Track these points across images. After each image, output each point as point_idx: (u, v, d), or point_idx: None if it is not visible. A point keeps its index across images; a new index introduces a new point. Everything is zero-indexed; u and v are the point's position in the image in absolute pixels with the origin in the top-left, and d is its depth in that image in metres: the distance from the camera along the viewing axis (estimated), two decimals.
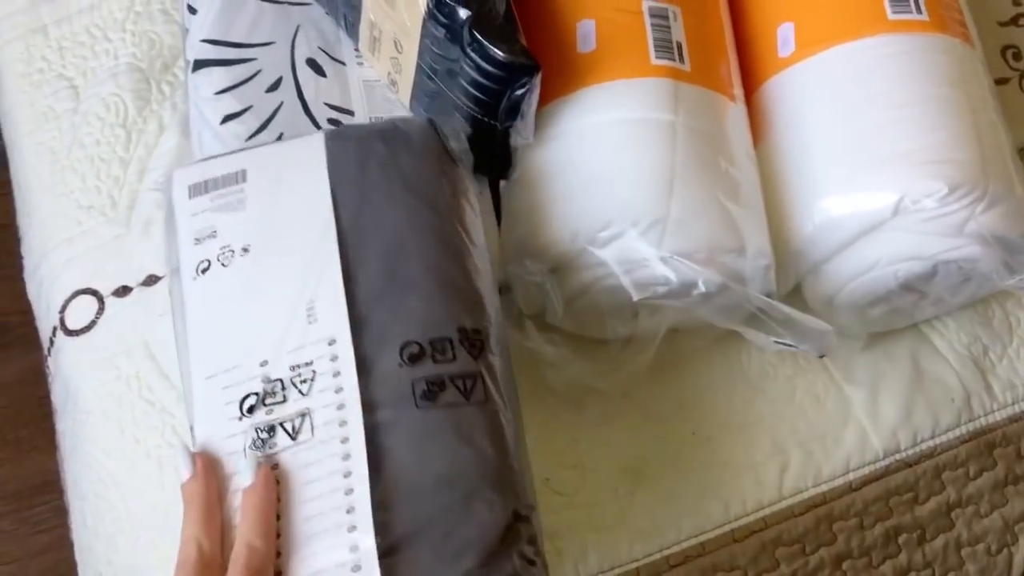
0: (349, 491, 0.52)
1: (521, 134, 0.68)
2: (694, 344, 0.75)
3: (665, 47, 0.70)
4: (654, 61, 0.70)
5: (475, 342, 0.56)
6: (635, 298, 0.65)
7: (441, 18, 0.65)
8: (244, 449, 0.53)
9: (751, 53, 0.77)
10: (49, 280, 0.84)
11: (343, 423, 0.54)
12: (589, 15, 0.71)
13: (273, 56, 0.75)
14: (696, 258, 0.65)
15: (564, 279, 0.68)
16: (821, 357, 0.75)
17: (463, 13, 0.63)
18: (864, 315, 0.74)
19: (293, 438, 0.54)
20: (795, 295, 0.75)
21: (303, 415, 0.54)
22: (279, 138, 0.72)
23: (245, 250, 0.59)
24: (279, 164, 0.62)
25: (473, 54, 0.64)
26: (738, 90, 0.74)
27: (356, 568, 0.51)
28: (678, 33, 0.71)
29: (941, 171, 0.66)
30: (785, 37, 0.75)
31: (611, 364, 0.72)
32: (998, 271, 0.69)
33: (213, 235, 0.60)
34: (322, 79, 0.75)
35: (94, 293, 0.81)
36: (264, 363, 0.55)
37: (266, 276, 0.58)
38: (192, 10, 0.78)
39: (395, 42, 0.71)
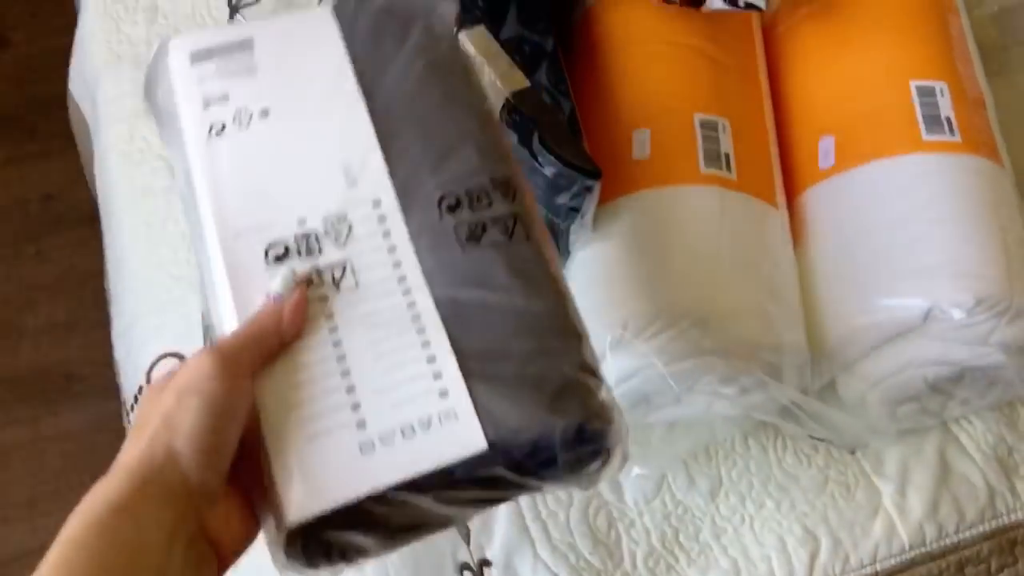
0: (421, 330, 0.52)
1: (580, 231, 0.74)
2: (731, 431, 0.79)
3: (714, 157, 0.76)
4: (703, 170, 0.75)
5: (508, 188, 0.57)
6: (676, 389, 0.69)
7: (511, 124, 0.70)
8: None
9: (793, 162, 0.82)
10: (139, 343, 0.89)
11: (397, 265, 0.54)
12: (645, 125, 0.78)
13: None
14: (737, 354, 0.70)
15: (611, 364, 0.72)
16: (852, 453, 0.78)
17: (534, 124, 0.69)
18: (895, 412, 0.77)
19: (337, 285, 0.53)
20: (830, 390, 0.78)
21: (342, 266, 0.54)
22: None
23: (264, 113, 0.58)
24: (287, 34, 0.63)
25: (542, 160, 0.69)
26: (781, 197, 0.79)
27: (443, 393, 0.51)
28: (726, 144, 0.76)
29: (969, 284, 0.70)
30: (826, 149, 0.80)
31: (652, 448, 0.76)
32: (1022, 379, 0.72)
33: (224, 99, 0.59)
34: None
35: (180, 357, 0.86)
36: (302, 221, 0.55)
37: (291, 139, 0.58)
38: None
39: None
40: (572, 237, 0.75)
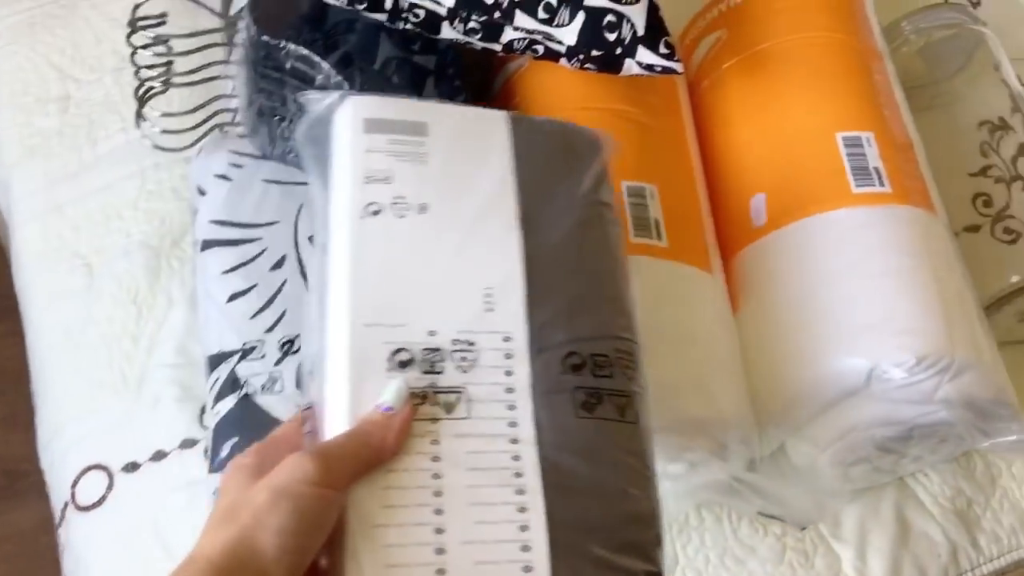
0: (520, 490, 0.50)
1: None
2: (684, 506, 0.76)
3: (643, 226, 0.74)
4: (632, 239, 0.73)
5: (629, 363, 0.56)
6: None
7: None
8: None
9: (726, 223, 0.80)
10: (61, 455, 0.86)
11: (511, 408, 0.52)
12: None
13: (277, 235, 0.79)
14: (679, 432, 0.67)
15: None
16: (802, 530, 0.76)
17: None
18: (847, 474, 0.75)
19: (448, 412, 0.51)
20: (781, 455, 0.77)
21: (458, 392, 0.52)
22: (283, 315, 0.75)
23: (423, 208, 0.56)
24: (461, 131, 0.60)
25: None
26: (716, 261, 0.77)
27: (527, 569, 0.49)
28: (655, 211, 0.74)
29: (909, 342, 0.68)
30: (758, 208, 0.78)
31: None
32: (971, 434, 0.71)
33: (387, 180, 0.57)
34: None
35: (104, 469, 0.83)
36: (432, 332, 0.53)
37: (442, 244, 0.56)
38: (202, 192, 0.82)
39: None
40: None
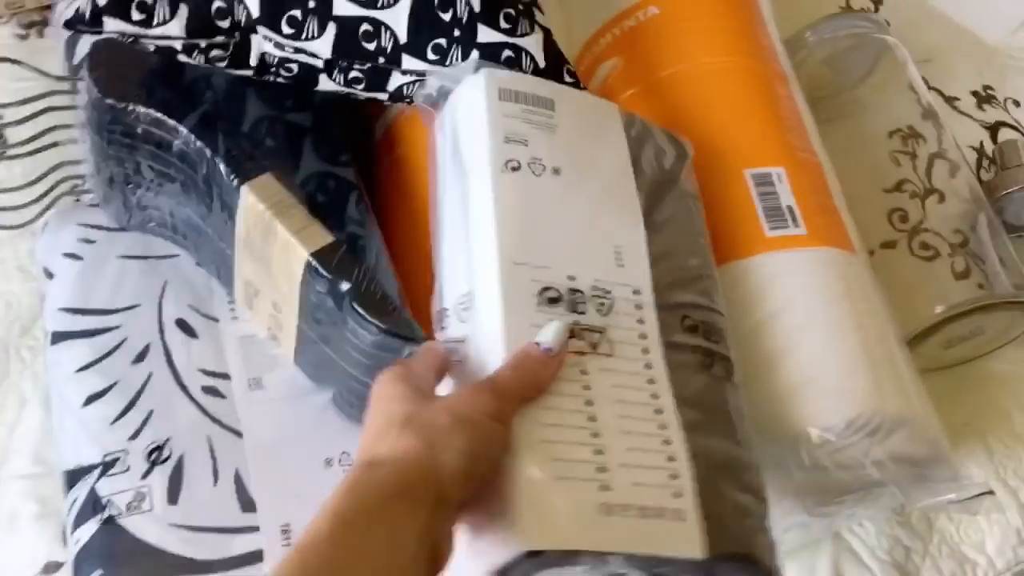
0: (663, 426, 0.55)
1: None
2: None
3: (776, 215, 0.72)
4: (768, 234, 0.71)
5: (726, 334, 0.63)
6: None
7: (320, 289, 0.63)
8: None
9: None
10: None
11: (646, 352, 0.57)
12: None
13: (139, 321, 0.71)
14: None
15: None
16: None
17: (343, 286, 0.62)
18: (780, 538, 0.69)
19: (594, 347, 0.56)
20: None
21: (600, 331, 0.57)
22: (149, 416, 0.67)
23: (557, 171, 0.61)
24: (583, 112, 0.66)
25: (357, 326, 0.62)
26: (855, 236, 0.75)
27: (677, 494, 0.53)
28: (787, 196, 0.72)
29: (835, 404, 0.64)
30: None
31: None
32: (907, 494, 0.66)
33: (524, 142, 0.61)
34: (194, 341, 0.71)
35: None
36: (572, 277, 0.58)
37: (574, 204, 0.61)
38: (49, 274, 0.74)
39: (273, 303, 0.69)
40: None
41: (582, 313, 0.57)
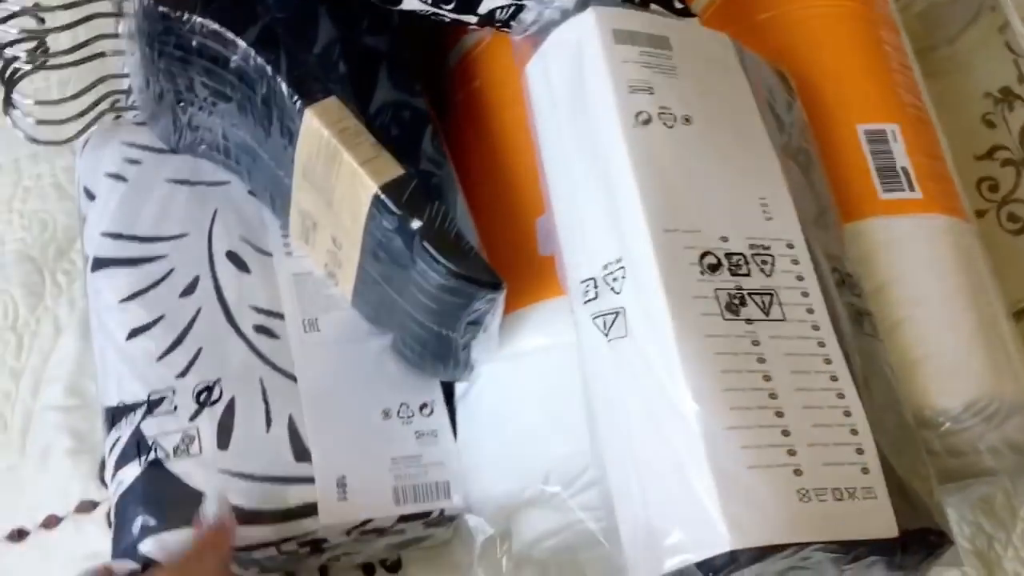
0: (840, 394, 0.52)
1: (483, 346, 0.60)
2: None
3: (890, 176, 0.66)
4: (882, 196, 0.65)
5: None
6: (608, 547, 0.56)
7: (387, 226, 0.57)
8: (721, 310, 0.52)
9: None
10: None
11: (810, 311, 0.54)
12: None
13: (187, 251, 0.65)
14: None
15: (531, 521, 0.60)
16: None
17: (414, 224, 0.56)
18: None
19: (766, 313, 0.52)
20: None
21: (770, 294, 0.53)
22: (198, 354, 0.62)
23: (687, 120, 0.57)
24: (698, 47, 0.61)
25: (427, 268, 0.56)
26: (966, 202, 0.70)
27: (865, 470, 0.50)
28: (902, 156, 0.67)
29: (952, 386, 0.59)
30: None
31: None
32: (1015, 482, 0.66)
33: (650, 91, 0.57)
34: (246, 276, 0.65)
35: None
36: (724, 239, 0.54)
37: (712, 155, 0.57)
38: (90, 195, 0.67)
39: (333, 238, 0.63)
40: (474, 353, 0.61)
41: (746, 275, 0.53)
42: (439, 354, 0.62)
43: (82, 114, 0.71)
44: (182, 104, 0.67)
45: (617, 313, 0.53)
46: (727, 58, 0.62)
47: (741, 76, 0.61)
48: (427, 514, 0.61)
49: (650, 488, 0.50)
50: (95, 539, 0.66)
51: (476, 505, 0.62)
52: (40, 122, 0.70)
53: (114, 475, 0.59)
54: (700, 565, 0.47)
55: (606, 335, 0.53)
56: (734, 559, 0.46)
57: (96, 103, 0.72)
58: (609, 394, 0.53)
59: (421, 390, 0.64)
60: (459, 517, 0.63)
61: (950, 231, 0.64)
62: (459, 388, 0.65)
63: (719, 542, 0.46)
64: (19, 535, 0.68)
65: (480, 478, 0.62)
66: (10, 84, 0.69)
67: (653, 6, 0.64)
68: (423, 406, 0.64)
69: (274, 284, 0.65)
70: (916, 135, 0.67)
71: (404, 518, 0.60)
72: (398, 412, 0.63)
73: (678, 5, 0.65)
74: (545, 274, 0.61)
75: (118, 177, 0.67)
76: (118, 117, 0.73)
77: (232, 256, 0.65)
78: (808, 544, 0.47)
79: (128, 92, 0.71)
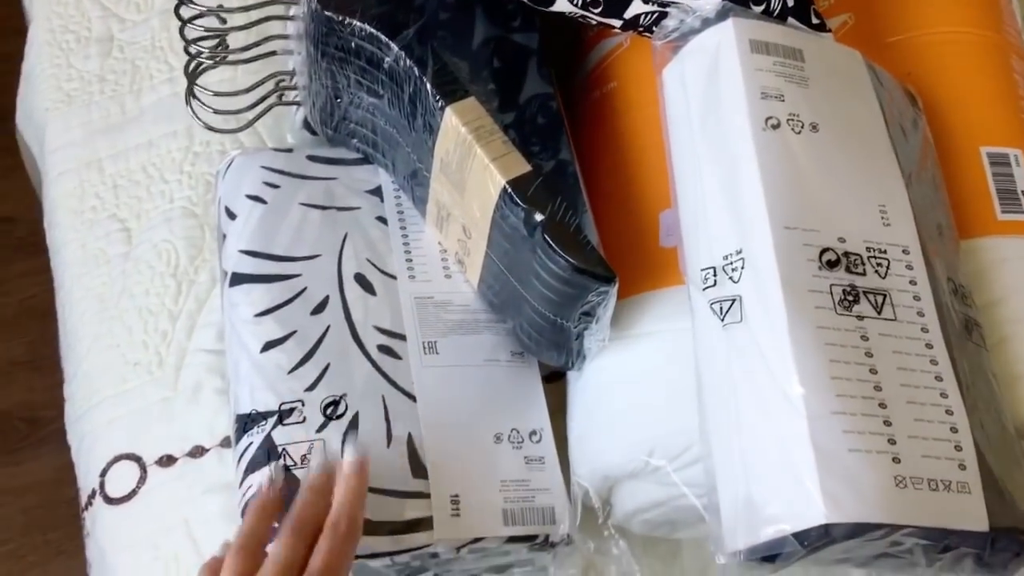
0: (944, 393, 0.54)
1: (595, 336, 0.64)
2: None
3: (1011, 199, 0.67)
4: (1000, 217, 0.66)
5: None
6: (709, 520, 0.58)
7: (513, 218, 0.61)
8: (834, 305, 0.54)
9: None
10: (91, 438, 0.79)
11: (921, 315, 0.56)
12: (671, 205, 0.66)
13: (319, 271, 0.69)
14: None
15: (633, 492, 0.63)
16: None
17: (537, 217, 0.60)
18: None
19: (878, 311, 0.55)
20: None
21: (883, 294, 0.56)
22: (325, 369, 0.65)
23: (814, 127, 0.60)
24: (830, 61, 0.64)
25: (547, 259, 0.60)
26: None
27: (962, 466, 0.52)
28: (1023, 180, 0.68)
29: None
30: None
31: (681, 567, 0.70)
32: None
33: (780, 98, 0.60)
34: (371, 298, 0.69)
35: (137, 460, 0.75)
36: (842, 239, 0.57)
37: (836, 161, 0.60)
38: (231, 214, 0.72)
39: (463, 227, 0.68)
40: (586, 343, 0.65)
41: (861, 274, 0.56)
42: (555, 341, 0.65)
43: (254, 105, 0.76)
44: (339, 99, 0.71)
45: (734, 300, 0.56)
46: (858, 72, 0.65)
47: (870, 90, 0.64)
48: (533, 537, 0.64)
49: (753, 464, 0.53)
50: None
51: (582, 474, 0.64)
52: (217, 111, 0.75)
53: (244, 479, 0.63)
54: (797, 536, 0.49)
55: (722, 320, 0.57)
56: (828, 532, 0.49)
57: (264, 97, 0.76)
58: (720, 375, 0.56)
59: (531, 417, 0.67)
60: (560, 544, 0.65)
61: None
62: (571, 374, 0.68)
63: (815, 515, 0.49)
64: (168, 460, 0.73)
65: (587, 449, 0.65)
66: (193, 77, 0.74)
67: (791, 19, 0.66)
68: (532, 433, 0.67)
69: (397, 306, 0.69)
70: None
71: (512, 539, 0.63)
72: (509, 437, 0.66)
73: (815, 20, 0.67)
74: (666, 263, 0.64)
75: (257, 199, 0.72)
76: (276, 103, 0.77)
77: (359, 278, 0.69)
78: (901, 528, 0.50)
79: (294, 87, 0.76)
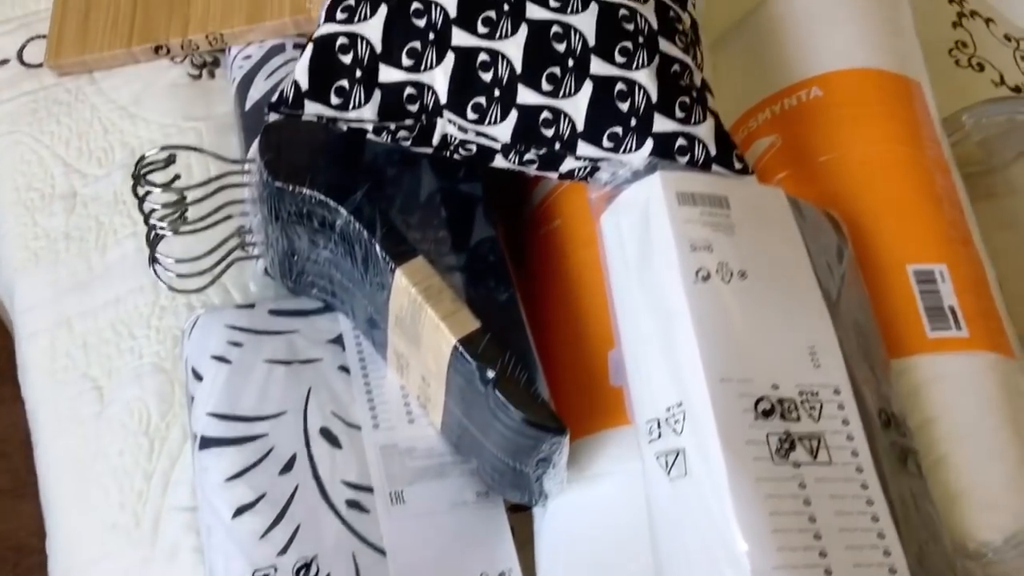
0: (881, 534, 0.55)
1: (554, 480, 0.66)
2: None
3: (938, 316, 0.68)
4: (929, 335, 0.67)
5: (905, 423, 0.62)
6: None
7: (466, 373, 0.64)
8: (771, 454, 0.55)
9: None
10: None
11: (855, 454, 0.57)
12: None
13: (285, 429, 0.70)
14: None
15: None
16: None
17: (489, 374, 0.62)
18: None
19: (813, 456, 0.56)
20: None
21: (817, 438, 0.57)
22: (296, 531, 0.66)
23: (743, 275, 0.62)
24: (754, 204, 0.66)
25: (500, 413, 0.63)
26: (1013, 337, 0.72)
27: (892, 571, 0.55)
28: (949, 296, 0.69)
29: (994, 520, 0.62)
30: None
31: None
32: None
33: (709, 249, 0.62)
34: (337, 452, 0.70)
35: None
36: (775, 386, 0.58)
37: (765, 307, 0.62)
38: (197, 376, 0.74)
39: (423, 376, 0.70)
40: (545, 485, 0.67)
41: (795, 420, 0.57)
42: (515, 483, 0.68)
43: (214, 266, 0.77)
44: (295, 257, 0.74)
45: (678, 453, 0.58)
46: (781, 212, 0.67)
47: (794, 229, 0.66)
48: None
49: None
50: None
51: None
52: (182, 276, 0.77)
53: None
54: None
55: (668, 473, 0.58)
56: None
57: (226, 256, 0.78)
58: (671, 529, 0.58)
59: (499, 559, 0.68)
60: None
61: (995, 368, 0.67)
62: (537, 510, 0.70)
63: None
64: None
65: None
66: (153, 246, 0.77)
67: (715, 167, 0.69)
68: (501, 574, 0.68)
69: (363, 458, 0.70)
70: (964, 274, 0.70)
71: None
72: None
73: (737, 165, 0.70)
74: (617, 403, 0.66)
75: (222, 359, 0.73)
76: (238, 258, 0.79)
77: (325, 432, 0.71)
78: None
79: (253, 244, 0.78)
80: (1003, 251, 0.77)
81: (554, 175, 0.72)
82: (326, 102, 0.68)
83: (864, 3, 0.82)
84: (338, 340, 0.75)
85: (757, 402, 0.57)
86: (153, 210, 0.75)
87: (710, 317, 0.60)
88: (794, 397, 0.58)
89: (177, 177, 0.78)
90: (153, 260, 0.77)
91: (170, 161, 0.77)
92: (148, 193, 0.75)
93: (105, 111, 0.97)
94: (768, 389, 0.58)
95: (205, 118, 0.93)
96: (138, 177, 0.73)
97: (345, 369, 0.73)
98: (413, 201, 0.73)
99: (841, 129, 0.76)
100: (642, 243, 0.64)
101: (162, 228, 0.75)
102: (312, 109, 0.68)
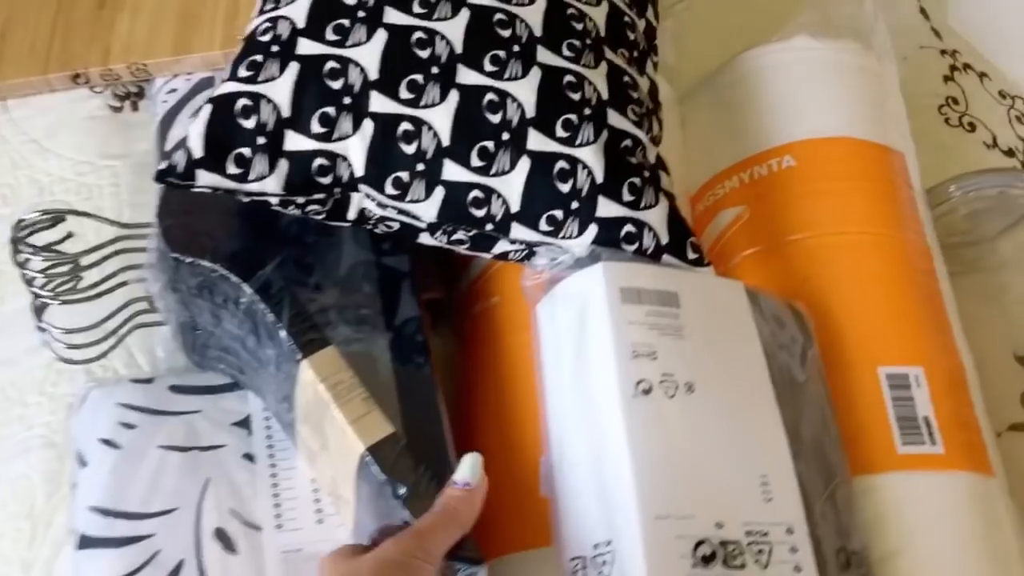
0: None
1: None
2: None
3: (911, 428, 0.61)
4: (900, 450, 0.61)
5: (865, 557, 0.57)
6: None
7: (376, 482, 0.56)
8: None
9: None
10: None
11: None
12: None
13: (175, 530, 0.62)
14: None
15: None
16: None
17: (400, 490, 0.54)
18: None
19: None
20: None
21: None
22: None
23: (689, 388, 0.55)
24: (709, 302, 0.60)
25: None
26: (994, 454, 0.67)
27: None
28: (924, 405, 0.62)
29: None
30: None
31: None
32: None
33: (652, 355, 0.55)
34: (232, 558, 0.62)
35: None
36: (720, 525, 0.51)
37: (713, 428, 0.55)
38: (82, 461, 0.66)
39: (332, 477, 0.62)
40: None
41: (740, 567, 0.51)
42: None
43: (108, 336, 0.71)
44: (199, 331, 0.67)
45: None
46: (739, 312, 0.60)
47: (752, 331, 0.59)
48: None
49: None
50: None
51: None
52: (72, 346, 0.71)
53: None
54: None
55: None
56: None
57: (123, 324, 0.71)
58: None
59: None
60: None
61: (972, 491, 0.61)
62: None
63: None
64: None
65: None
66: (38, 313, 0.71)
67: (666, 256, 0.61)
68: None
69: (262, 565, 0.61)
70: (942, 378, 0.64)
71: None
72: None
73: (691, 255, 0.62)
74: (545, 520, 0.57)
75: (111, 444, 0.65)
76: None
77: (220, 534, 0.63)
78: None
79: (153, 311, 0.72)
80: (985, 329, 0.72)
81: (487, 255, 0.64)
82: (222, 172, 0.60)
83: (847, 64, 0.76)
84: (245, 422, 0.67)
85: (697, 545, 0.50)
86: (34, 277, 0.69)
87: (649, 440, 0.53)
88: (740, 539, 0.51)
89: (69, 236, 0.70)
90: (40, 328, 0.70)
91: (57, 220, 0.70)
92: (27, 260, 0.68)
93: (16, 143, 0.87)
94: (711, 529, 0.51)
95: (123, 156, 0.84)
96: (15, 241, 0.66)
97: (250, 457, 0.65)
98: (332, 274, 0.65)
99: (814, 206, 0.69)
100: (579, 343, 0.57)
101: (46, 296, 0.68)
102: (205, 180, 0.60)
